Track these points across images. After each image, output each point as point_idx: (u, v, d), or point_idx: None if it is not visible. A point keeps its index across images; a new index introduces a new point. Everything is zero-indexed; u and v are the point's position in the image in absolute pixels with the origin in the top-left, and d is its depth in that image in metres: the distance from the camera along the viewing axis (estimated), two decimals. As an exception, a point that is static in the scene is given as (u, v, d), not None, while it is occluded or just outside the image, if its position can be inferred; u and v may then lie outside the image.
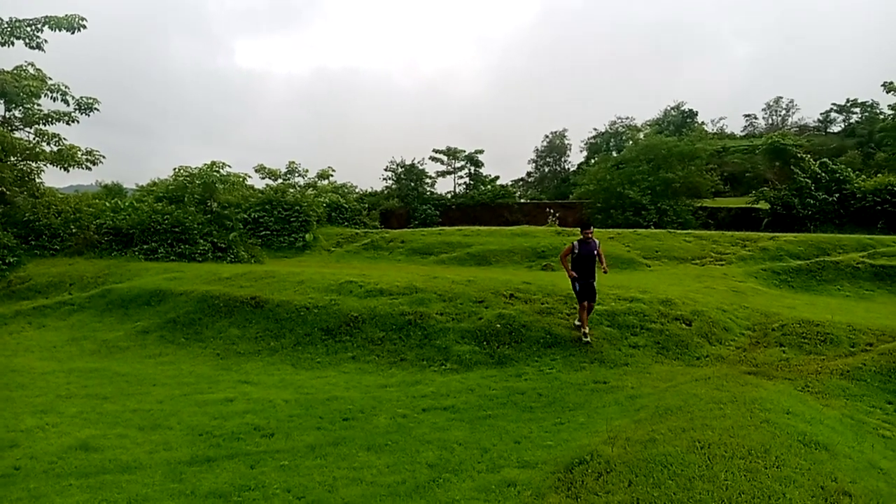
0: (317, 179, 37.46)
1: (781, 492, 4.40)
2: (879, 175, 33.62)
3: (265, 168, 35.77)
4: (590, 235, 11.35)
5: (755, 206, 35.12)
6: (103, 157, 24.03)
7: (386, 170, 46.67)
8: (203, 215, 23.57)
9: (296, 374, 11.10)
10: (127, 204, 25.19)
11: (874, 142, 46.63)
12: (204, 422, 8.15)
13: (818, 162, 33.96)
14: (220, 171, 25.07)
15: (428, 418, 8.14)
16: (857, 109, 54.99)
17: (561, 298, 13.17)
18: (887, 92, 39.91)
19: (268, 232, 29.17)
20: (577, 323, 11.70)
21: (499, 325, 11.99)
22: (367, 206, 41.13)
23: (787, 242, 22.54)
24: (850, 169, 34.46)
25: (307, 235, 28.92)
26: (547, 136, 72.24)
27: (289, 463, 6.63)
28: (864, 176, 34.06)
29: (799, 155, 36.20)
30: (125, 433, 7.67)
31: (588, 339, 11.17)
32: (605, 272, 11.68)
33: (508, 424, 7.77)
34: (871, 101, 52.40)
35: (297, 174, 36.96)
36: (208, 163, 25.19)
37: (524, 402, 8.88)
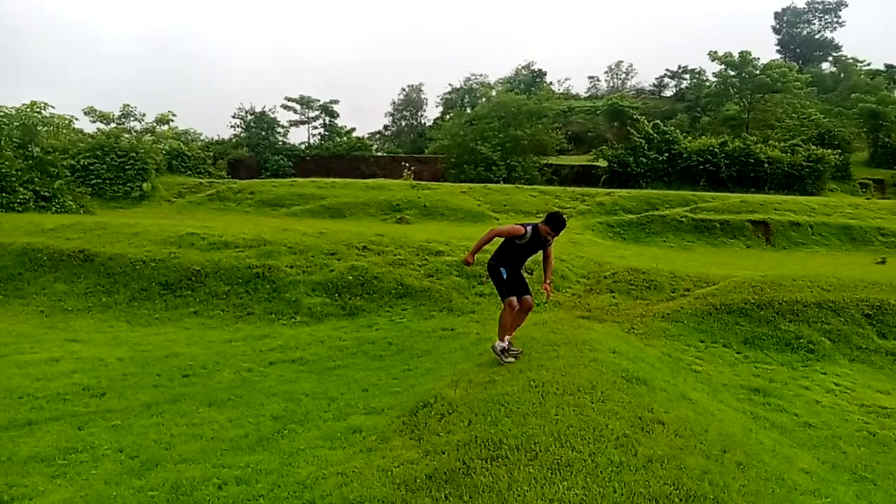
0: (155, 125, 34.68)
1: (605, 423, 4.81)
2: (703, 137, 37.05)
3: (96, 111, 32.50)
4: (550, 238, 7.00)
5: (595, 163, 37.41)
6: None
7: (234, 117, 44.08)
8: (23, 161, 21.06)
9: (131, 332, 10.43)
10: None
11: (700, 106, 51.14)
12: (25, 384, 7.45)
13: (651, 124, 36.70)
14: (42, 111, 22.44)
15: (275, 371, 8.00)
16: (687, 76, 59.73)
17: (413, 250, 13.34)
18: (712, 60, 43.74)
19: (100, 180, 26.64)
20: (501, 345, 6.79)
21: (351, 277, 11.95)
22: (213, 154, 38.76)
23: (621, 198, 24.32)
24: (678, 131, 37.62)
25: (145, 185, 26.79)
26: (404, 90, 71.67)
27: (122, 422, 6.26)
28: (690, 138, 37.34)
29: (635, 116, 38.92)
30: (-76, 402, 6.84)
31: (512, 358, 6.75)
32: (548, 297, 7.73)
33: (357, 373, 7.83)
34: (699, 69, 57.24)
35: (132, 118, 33.98)
36: (28, 103, 22.43)
37: (374, 351, 8.99)
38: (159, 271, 12.31)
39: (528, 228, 6.89)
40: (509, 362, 6.59)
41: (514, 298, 6.83)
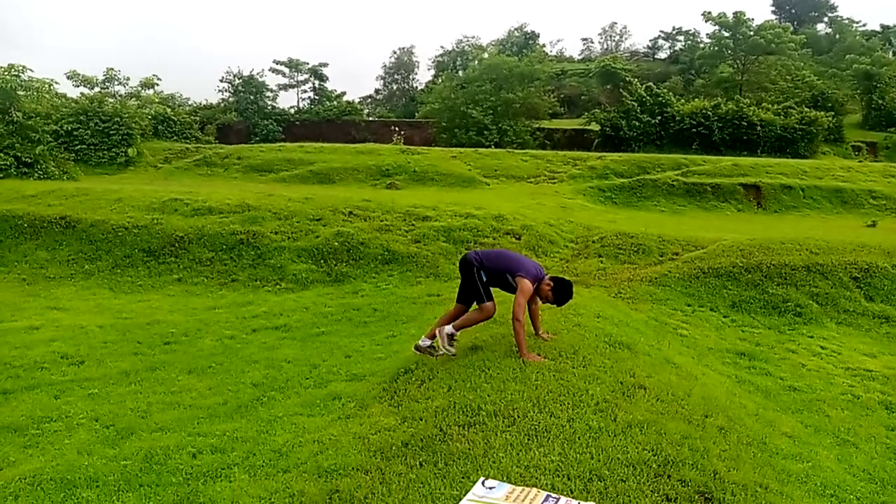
0: (140, 89, 33.94)
1: (585, 388, 4.74)
2: (696, 100, 36.65)
3: (79, 75, 31.69)
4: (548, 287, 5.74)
5: (587, 127, 37.04)
6: None
7: (222, 81, 43.30)
8: (3, 126, 20.61)
9: (114, 299, 10.31)
10: None
11: (694, 69, 50.51)
12: (2, 353, 7.34)
13: (644, 86, 36.27)
14: (21, 75, 21.84)
15: (257, 338, 7.91)
16: (682, 38, 58.88)
17: (400, 216, 13.18)
18: (706, 21, 43.08)
19: (84, 146, 26.19)
20: (451, 330, 5.87)
21: (336, 243, 11.81)
22: (200, 119, 38.15)
23: (613, 162, 24.12)
24: (671, 93, 37.20)
25: (130, 150, 26.36)
26: (395, 52, 70.42)
27: (99, 391, 6.17)
28: (683, 101, 36.96)
29: (627, 79, 38.43)
30: None
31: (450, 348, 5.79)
32: (544, 338, 6.06)
33: (341, 340, 7.76)
34: (693, 30, 56.39)
35: (116, 82, 33.24)
36: (5, 66, 21.83)
37: (359, 317, 8.90)
38: (142, 238, 12.14)
39: (531, 285, 5.62)
40: (451, 353, 5.70)
41: (491, 304, 5.77)
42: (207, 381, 6.34)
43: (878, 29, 56.94)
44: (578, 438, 3.98)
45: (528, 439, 3.97)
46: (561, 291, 5.76)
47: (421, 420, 4.47)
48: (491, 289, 5.83)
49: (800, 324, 9.00)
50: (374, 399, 5.24)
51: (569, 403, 4.46)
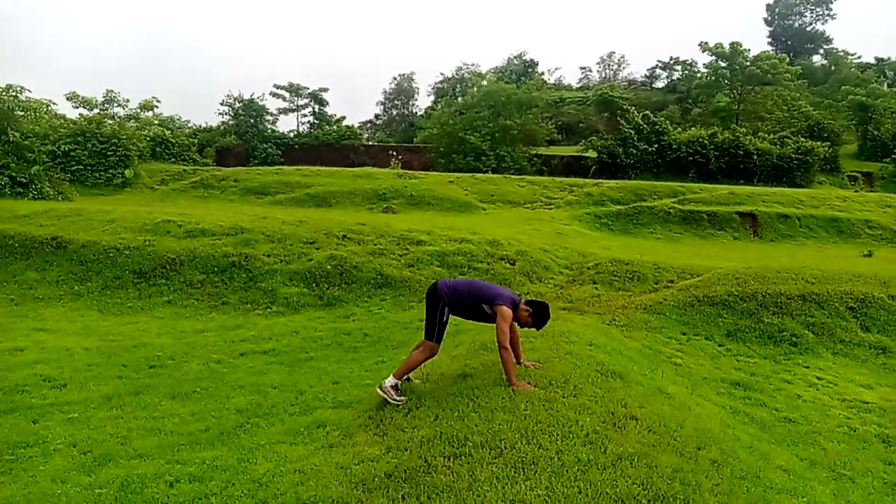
0: (139, 111, 34.14)
1: (575, 419, 4.62)
2: (693, 129, 36.85)
3: (78, 96, 31.89)
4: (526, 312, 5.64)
5: (585, 154, 37.16)
6: None
7: (222, 104, 43.52)
8: (-1, 146, 20.61)
9: (102, 321, 10.18)
10: None
11: (691, 98, 50.88)
12: (-16, 375, 7.20)
13: (641, 114, 36.47)
14: (18, 95, 21.91)
15: (244, 363, 7.79)
16: (679, 67, 59.49)
17: (394, 240, 13.11)
18: (703, 52, 43.52)
19: (81, 167, 26.18)
20: (394, 381, 5.53)
21: (329, 267, 11.72)
22: (199, 142, 38.26)
23: (610, 189, 24.13)
24: (668, 122, 37.38)
25: (127, 171, 26.34)
26: (395, 79, 71.11)
27: (79, 415, 6.04)
28: (679, 129, 37.15)
29: (625, 107, 38.66)
30: None
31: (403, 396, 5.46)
32: (528, 366, 5.88)
33: (330, 365, 7.63)
34: (690, 60, 57.03)
35: (116, 104, 33.43)
36: (3, 86, 21.89)
37: (349, 342, 8.78)
38: (133, 259, 12.04)
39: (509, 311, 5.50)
40: (400, 401, 5.37)
41: (437, 346, 5.65)
42: (191, 407, 6.20)
43: (872, 61, 57.61)
44: (566, 471, 3.86)
45: (515, 472, 3.85)
46: (539, 314, 5.67)
47: (406, 450, 4.34)
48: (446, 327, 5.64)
49: (795, 353, 8.89)
50: (360, 427, 5.12)
51: (558, 434, 4.34)
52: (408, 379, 5.78)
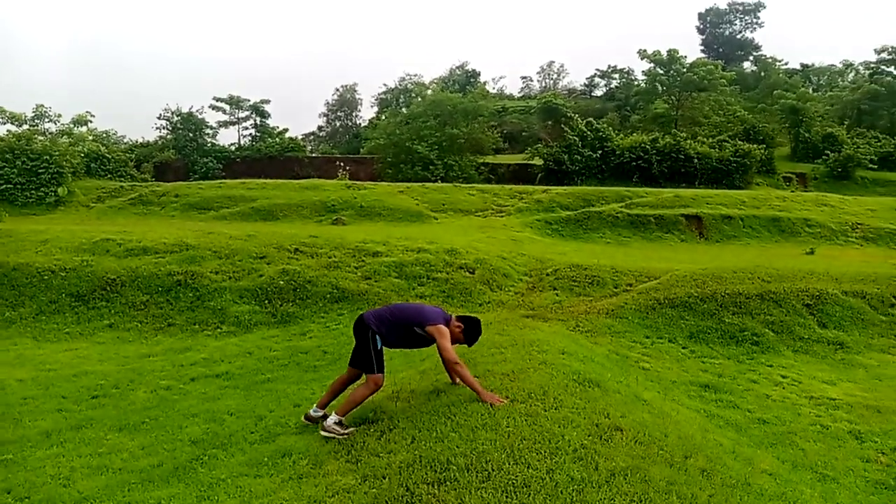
0: (72, 126, 32.64)
1: (560, 433, 4.39)
2: (634, 134, 37.62)
3: (5, 111, 30.32)
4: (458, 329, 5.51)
5: (531, 161, 37.45)
6: None
7: (160, 118, 42.03)
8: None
9: (38, 349, 9.48)
10: None
11: (629, 105, 52.07)
12: None
13: (585, 121, 37.01)
14: (-63, 111, 20.56)
15: (196, 388, 7.29)
16: (617, 75, 60.86)
17: (349, 252, 12.72)
18: (642, 59, 44.58)
19: (10, 185, 24.74)
20: (339, 418, 5.23)
21: (282, 282, 11.24)
22: (136, 157, 36.81)
23: (558, 195, 24.25)
24: (611, 128, 38.07)
25: (60, 189, 25.03)
26: (338, 90, 70.37)
27: (14, 456, 5.50)
28: (622, 135, 37.87)
29: (569, 114, 39.20)
30: None
31: (345, 432, 5.13)
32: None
33: (289, 387, 7.23)
34: (628, 68, 58.42)
35: (46, 119, 31.86)
36: (-81, 101, 20.46)
37: (308, 361, 8.38)
38: (70, 281, 11.29)
39: (445, 329, 5.31)
40: (348, 433, 5.06)
41: (381, 376, 5.29)
42: (140, 440, 5.71)
43: (798, 67, 60.26)
44: (561, 492, 3.61)
45: (507, 496, 3.58)
46: (470, 330, 5.53)
47: (384, 478, 4.02)
48: (384, 358, 5.33)
49: (758, 352, 8.93)
50: (329, 454, 4.76)
51: (546, 452, 4.09)
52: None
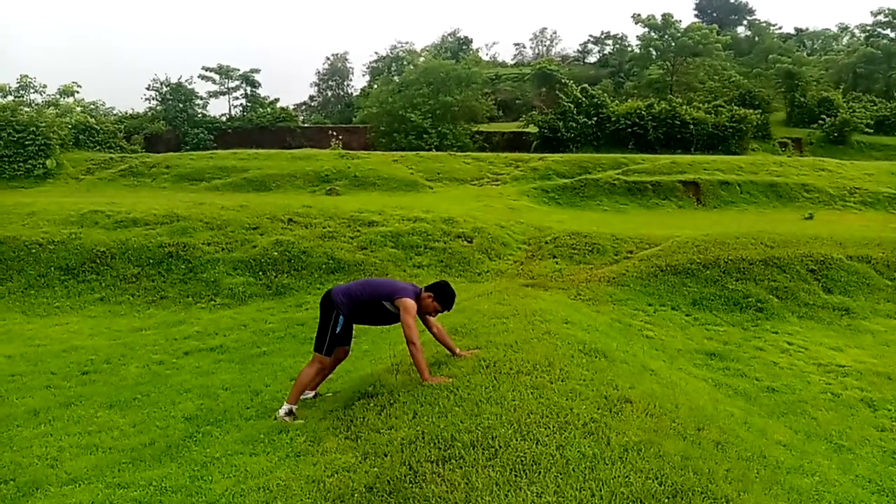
0: (59, 97, 31.96)
1: (569, 407, 4.20)
2: (629, 101, 37.12)
3: (-11, 83, 29.69)
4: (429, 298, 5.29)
5: (526, 129, 36.98)
6: None
7: (149, 89, 41.15)
8: None
9: (27, 324, 9.27)
10: None
11: (623, 72, 51.37)
12: None
13: (579, 88, 36.47)
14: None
15: (190, 363, 7.10)
16: (610, 42, 59.94)
17: (344, 222, 12.47)
18: (636, 23, 43.87)
19: (-5, 158, 24.32)
20: (289, 407, 5.12)
21: (276, 253, 11.01)
22: (126, 129, 36.13)
23: (555, 162, 23.93)
24: (605, 95, 37.55)
25: (48, 161, 24.55)
26: (329, 59, 69.14)
27: (1, 436, 5.27)
28: (617, 101, 37.36)
29: (563, 81, 38.62)
30: None
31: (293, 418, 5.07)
32: (465, 356, 5.35)
33: (285, 360, 7.04)
34: (621, 34, 57.55)
35: (32, 90, 31.20)
36: None
37: (304, 333, 8.16)
38: (59, 254, 11.03)
39: (412, 302, 5.16)
40: (297, 425, 4.91)
41: (328, 359, 5.34)
42: (131, 417, 5.52)
43: (792, 32, 59.47)
44: (573, 470, 3.43)
45: (516, 475, 3.39)
46: (442, 295, 5.31)
47: (385, 456, 3.83)
48: (342, 339, 5.37)
49: (762, 319, 8.78)
50: (328, 431, 4.57)
51: (554, 427, 3.91)
52: (316, 395, 5.46)
